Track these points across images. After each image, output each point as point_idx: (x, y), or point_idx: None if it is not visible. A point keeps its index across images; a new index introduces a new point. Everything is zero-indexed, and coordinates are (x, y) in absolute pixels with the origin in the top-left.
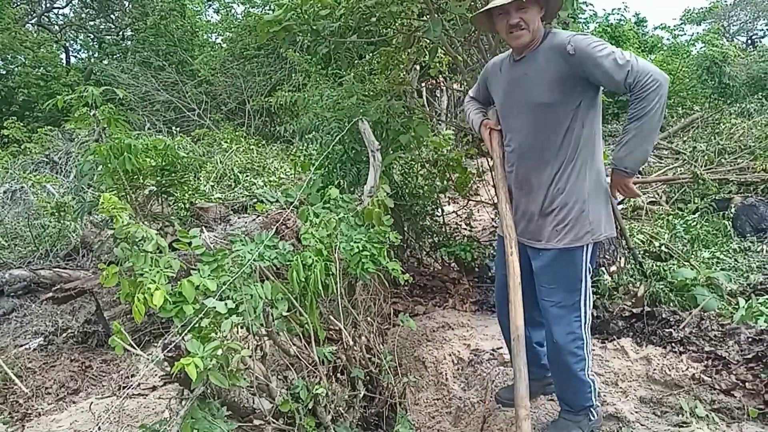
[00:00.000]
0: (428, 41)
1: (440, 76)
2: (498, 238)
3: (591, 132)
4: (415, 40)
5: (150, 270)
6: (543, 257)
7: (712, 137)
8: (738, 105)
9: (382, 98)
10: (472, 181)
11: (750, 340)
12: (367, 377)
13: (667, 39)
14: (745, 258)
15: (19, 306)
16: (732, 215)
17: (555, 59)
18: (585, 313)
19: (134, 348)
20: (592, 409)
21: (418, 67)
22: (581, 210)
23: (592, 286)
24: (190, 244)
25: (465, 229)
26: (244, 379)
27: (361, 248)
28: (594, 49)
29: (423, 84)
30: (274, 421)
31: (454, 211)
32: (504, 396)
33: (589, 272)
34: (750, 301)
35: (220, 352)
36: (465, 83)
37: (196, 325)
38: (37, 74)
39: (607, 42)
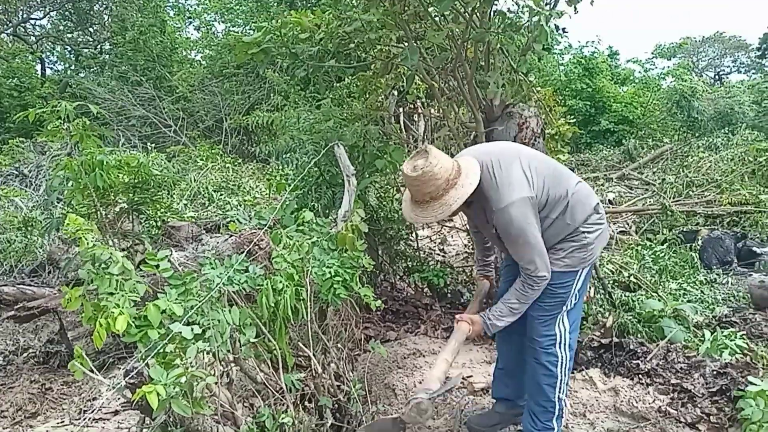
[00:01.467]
0: (406, 68)
1: (418, 101)
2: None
3: (557, 210)
4: (393, 66)
5: (115, 293)
6: None
7: (681, 169)
8: (705, 138)
9: (359, 122)
10: None
11: (715, 373)
12: (335, 405)
13: (639, 72)
14: (711, 290)
15: None
16: (699, 247)
17: (489, 215)
18: (562, 333)
19: (95, 373)
20: None
21: (395, 92)
22: (580, 244)
23: None
24: (157, 266)
25: (438, 254)
26: (209, 407)
27: (333, 273)
28: (509, 234)
29: (400, 109)
30: None
31: (428, 236)
32: (475, 422)
33: (575, 298)
34: (715, 333)
35: (183, 379)
36: (442, 110)
37: (161, 351)
38: (10, 84)
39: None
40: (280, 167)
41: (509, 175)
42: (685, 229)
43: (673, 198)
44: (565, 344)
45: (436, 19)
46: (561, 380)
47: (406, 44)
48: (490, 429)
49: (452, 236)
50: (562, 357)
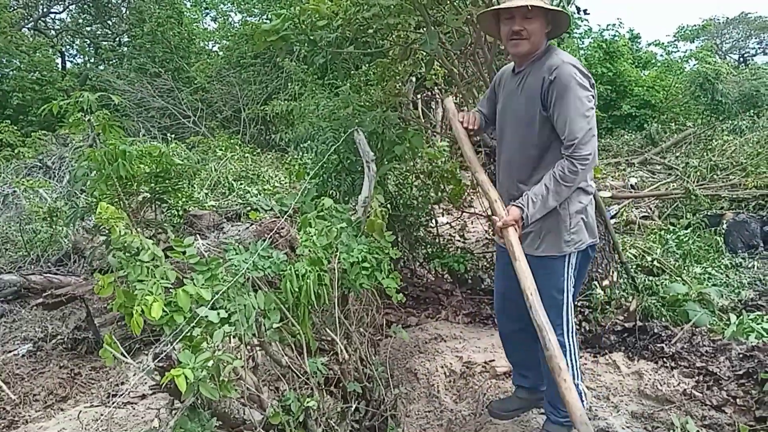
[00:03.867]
0: (424, 53)
1: (436, 87)
2: (497, 249)
3: None
4: (411, 52)
5: (147, 280)
6: None
7: (705, 153)
8: (730, 122)
9: (377, 109)
10: (466, 193)
11: (741, 356)
12: (360, 389)
13: (661, 55)
14: (736, 274)
15: (8, 311)
16: (724, 231)
17: (541, 78)
18: (567, 321)
19: (125, 357)
20: None
21: (414, 79)
22: (558, 219)
23: (584, 299)
24: (184, 252)
25: (458, 240)
26: (236, 390)
27: (361, 259)
28: (568, 93)
29: (418, 95)
30: None
31: (447, 223)
32: (497, 408)
33: (572, 284)
34: (741, 317)
35: (211, 363)
36: (460, 95)
37: (188, 335)
38: (32, 78)
39: (588, 90)
40: (299, 156)
41: None
42: (709, 213)
43: (697, 182)
44: (570, 332)
45: (455, 2)
46: (573, 367)
47: (424, 29)
48: (511, 414)
49: (472, 222)
50: (570, 346)
